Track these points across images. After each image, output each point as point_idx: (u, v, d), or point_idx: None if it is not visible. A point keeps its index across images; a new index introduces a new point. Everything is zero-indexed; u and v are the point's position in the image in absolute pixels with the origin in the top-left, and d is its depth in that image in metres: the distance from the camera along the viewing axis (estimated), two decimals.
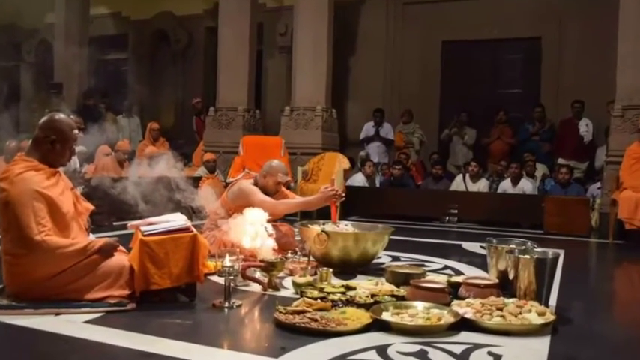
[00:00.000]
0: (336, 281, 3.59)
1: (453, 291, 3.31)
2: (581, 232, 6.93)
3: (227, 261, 3.13)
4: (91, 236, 3.34)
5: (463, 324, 2.80)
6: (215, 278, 3.56)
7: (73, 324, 2.75)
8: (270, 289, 3.52)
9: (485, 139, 9.71)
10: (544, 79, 10.06)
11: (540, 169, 8.74)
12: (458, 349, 2.53)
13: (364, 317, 2.82)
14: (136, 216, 3.67)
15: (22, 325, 2.72)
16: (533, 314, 2.85)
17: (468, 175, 8.56)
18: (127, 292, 3.05)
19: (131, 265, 3.05)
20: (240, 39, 9.34)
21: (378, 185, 9.04)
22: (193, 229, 3.24)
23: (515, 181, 8.16)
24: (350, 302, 3.07)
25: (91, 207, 3.45)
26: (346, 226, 4.43)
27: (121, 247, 3.23)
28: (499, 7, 10.02)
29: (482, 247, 4.99)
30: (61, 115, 3.24)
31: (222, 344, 2.64)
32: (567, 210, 7.07)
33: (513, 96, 10.42)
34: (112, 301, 3.00)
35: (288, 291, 3.53)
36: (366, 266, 4.20)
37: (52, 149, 3.13)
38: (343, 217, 5.95)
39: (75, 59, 10.81)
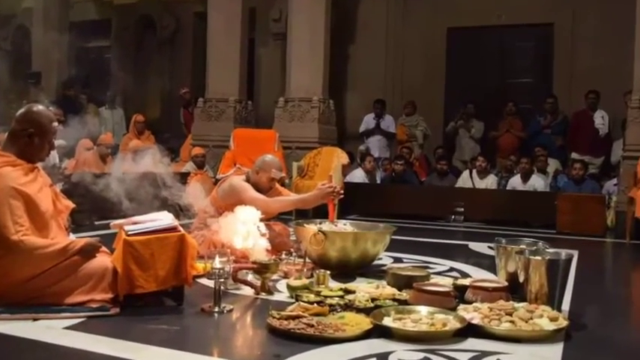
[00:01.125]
0: (334, 284, 3.59)
1: (458, 295, 3.31)
2: (596, 232, 6.92)
3: (217, 263, 3.13)
4: (72, 236, 3.33)
5: (470, 330, 2.81)
6: (204, 281, 3.56)
7: (52, 330, 2.75)
8: (263, 293, 3.51)
9: (494, 132, 9.70)
10: (556, 68, 10.06)
11: (552, 165, 8.75)
12: (464, 357, 2.54)
13: (364, 323, 2.82)
14: (119, 214, 3.66)
15: None
16: (545, 320, 2.85)
17: (475, 171, 8.56)
18: (109, 295, 3.04)
19: (114, 267, 3.05)
20: (231, 25, 9.34)
21: (378, 181, 9.05)
22: (181, 228, 3.23)
23: (525, 177, 8.15)
24: (349, 307, 3.07)
25: (72, 205, 3.44)
26: (345, 226, 4.43)
27: (103, 248, 3.22)
28: None
29: (490, 247, 5.00)
30: (40, 107, 3.24)
31: (212, 352, 2.64)
32: (581, 208, 7.06)
33: (523, 86, 10.43)
34: (94, 305, 2.99)
35: (282, 295, 3.52)
36: (365, 268, 4.20)
37: (29, 143, 3.12)
38: (341, 215, 5.95)
39: (54, 46, 10.78)
